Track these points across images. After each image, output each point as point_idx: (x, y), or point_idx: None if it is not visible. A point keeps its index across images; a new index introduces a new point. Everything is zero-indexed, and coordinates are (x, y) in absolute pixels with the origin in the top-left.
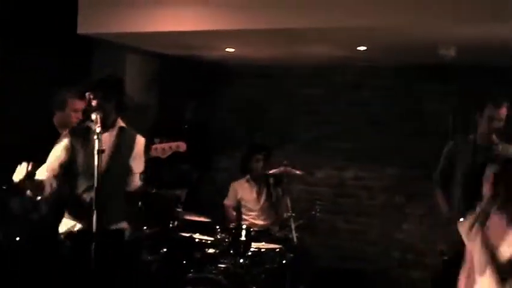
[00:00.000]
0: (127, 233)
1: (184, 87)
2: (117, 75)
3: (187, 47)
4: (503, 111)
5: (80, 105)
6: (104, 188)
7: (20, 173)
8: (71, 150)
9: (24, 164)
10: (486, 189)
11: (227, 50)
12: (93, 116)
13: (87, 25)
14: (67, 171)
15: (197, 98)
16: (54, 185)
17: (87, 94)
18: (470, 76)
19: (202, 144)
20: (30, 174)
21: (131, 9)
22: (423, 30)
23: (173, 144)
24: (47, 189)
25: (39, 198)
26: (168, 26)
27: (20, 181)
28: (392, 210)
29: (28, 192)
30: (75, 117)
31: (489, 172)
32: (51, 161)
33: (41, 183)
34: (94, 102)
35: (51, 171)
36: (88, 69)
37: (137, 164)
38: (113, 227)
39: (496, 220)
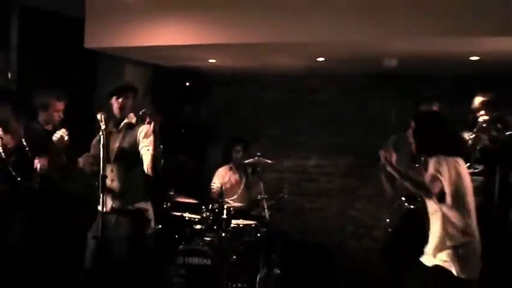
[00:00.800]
0: (148, 214)
1: (174, 93)
2: (132, 83)
3: (175, 58)
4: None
5: (60, 106)
6: (119, 175)
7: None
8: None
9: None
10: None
11: (210, 61)
12: (98, 116)
13: (93, 40)
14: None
15: (184, 102)
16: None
17: (118, 97)
18: (409, 82)
19: (196, 139)
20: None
21: (130, 27)
22: (371, 45)
23: None
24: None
25: None
26: (160, 40)
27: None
28: (346, 192)
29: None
30: (57, 116)
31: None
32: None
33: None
34: (123, 104)
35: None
36: (92, 77)
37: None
38: (131, 207)
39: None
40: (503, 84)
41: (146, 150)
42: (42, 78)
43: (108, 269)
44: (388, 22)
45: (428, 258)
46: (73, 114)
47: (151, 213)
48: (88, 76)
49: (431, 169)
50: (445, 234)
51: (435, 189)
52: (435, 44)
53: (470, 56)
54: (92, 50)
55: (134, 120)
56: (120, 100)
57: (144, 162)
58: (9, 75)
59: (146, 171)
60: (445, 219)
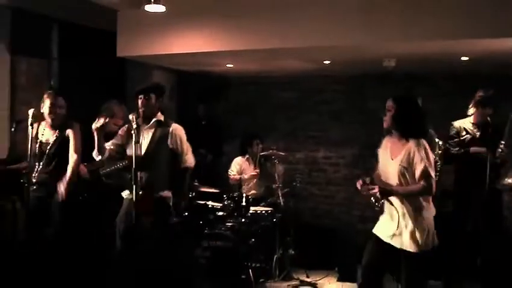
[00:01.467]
0: (169, 201)
1: (195, 94)
2: (160, 83)
3: (196, 64)
4: None
5: (120, 122)
6: (149, 166)
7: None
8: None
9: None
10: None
11: (227, 65)
12: (130, 116)
13: (124, 49)
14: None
15: (204, 102)
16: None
17: (140, 96)
18: (405, 82)
19: (215, 135)
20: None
21: (156, 37)
22: (372, 48)
23: None
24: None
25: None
26: (183, 48)
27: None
28: (352, 180)
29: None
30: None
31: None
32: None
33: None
34: (145, 104)
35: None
36: (124, 82)
37: (183, 146)
38: (158, 195)
39: (394, 140)
40: (493, 82)
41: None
42: (80, 84)
43: (137, 249)
44: (387, 27)
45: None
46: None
47: (170, 200)
48: (120, 82)
49: (429, 156)
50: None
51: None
52: (430, 46)
53: (462, 57)
54: (123, 58)
55: (163, 118)
56: (142, 99)
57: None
58: (52, 82)
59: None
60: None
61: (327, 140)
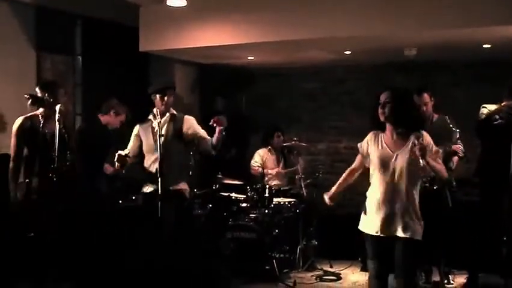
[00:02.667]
0: (186, 193)
1: (217, 87)
2: (171, 79)
3: (217, 57)
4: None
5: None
6: (165, 160)
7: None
8: (139, 137)
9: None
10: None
11: (249, 58)
12: (154, 110)
13: (146, 44)
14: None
15: (228, 94)
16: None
17: (153, 95)
18: (427, 70)
19: (240, 127)
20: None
21: (177, 31)
22: (393, 37)
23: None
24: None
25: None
26: (203, 42)
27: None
28: None
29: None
30: (118, 119)
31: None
32: (128, 146)
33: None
34: (165, 101)
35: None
36: (147, 76)
37: (199, 131)
38: (173, 187)
39: (387, 134)
40: None
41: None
42: (103, 78)
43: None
44: (408, 17)
45: None
46: (130, 108)
47: (187, 193)
48: (143, 76)
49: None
50: None
51: None
52: (451, 34)
53: (483, 44)
54: (145, 53)
55: (175, 111)
56: (162, 98)
57: (205, 138)
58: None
59: (212, 144)
60: None
61: (349, 130)
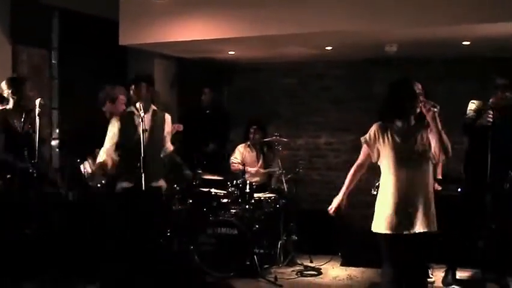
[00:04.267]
0: (163, 189)
1: (197, 81)
2: (149, 74)
3: (198, 51)
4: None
5: (124, 99)
6: (146, 156)
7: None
8: (122, 131)
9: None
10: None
11: (229, 52)
12: (137, 105)
13: (126, 38)
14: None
15: (209, 90)
16: (115, 157)
17: (132, 87)
18: (408, 65)
19: (219, 122)
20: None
21: (158, 25)
22: (374, 33)
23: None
24: (109, 165)
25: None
26: (184, 36)
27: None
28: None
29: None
30: (123, 107)
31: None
32: (108, 142)
33: (105, 164)
34: (137, 93)
35: (110, 150)
36: (125, 71)
37: (168, 135)
38: (154, 184)
39: (392, 125)
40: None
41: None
42: (80, 73)
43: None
44: (389, 13)
45: None
46: None
47: (164, 189)
48: (121, 71)
49: None
50: None
51: None
52: (431, 31)
53: (463, 41)
54: (124, 47)
55: (156, 107)
56: (132, 89)
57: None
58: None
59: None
60: None
61: (328, 126)
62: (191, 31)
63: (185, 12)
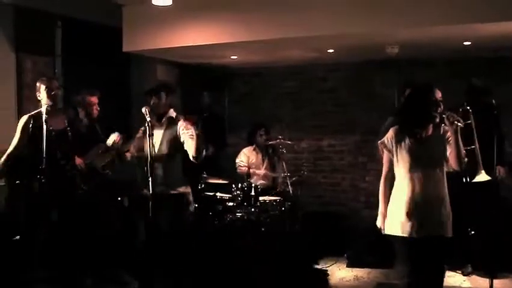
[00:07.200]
0: (188, 196)
1: (200, 87)
2: (169, 82)
3: (200, 56)
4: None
5: (94, 99)
6: (164, 162)
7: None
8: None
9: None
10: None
11: (232, 57)
12: (143, 110)
13: (129, 44)
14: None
15: (209, 94)
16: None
17: (148, 96)
18: (409, 67)
19: (218, 126)
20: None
21: (161, 31)
22: (375, 35)
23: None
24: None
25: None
26: (187, 42)
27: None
28: (357, 167)
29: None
30: (95, 110)
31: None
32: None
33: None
34: (156, 102)
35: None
36: (128, 77)
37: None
38: (175, 191)
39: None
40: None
41: (189, 138)
42: (84, 80)
43: (158, 242)
44: (389, 15)
45: None
46: (112, 109)
47: (190, 196)
48: (124, 78)
49: None
50: None
51: None
52: (432, 32)
53: (464, 41)
54: (127, 54)
55: (174, 115)
56: (153, 99)
57: (189, 148)
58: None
59: (192, 154)
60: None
61: (331, 128)
62: (193, 37)
63: (188, 18)
